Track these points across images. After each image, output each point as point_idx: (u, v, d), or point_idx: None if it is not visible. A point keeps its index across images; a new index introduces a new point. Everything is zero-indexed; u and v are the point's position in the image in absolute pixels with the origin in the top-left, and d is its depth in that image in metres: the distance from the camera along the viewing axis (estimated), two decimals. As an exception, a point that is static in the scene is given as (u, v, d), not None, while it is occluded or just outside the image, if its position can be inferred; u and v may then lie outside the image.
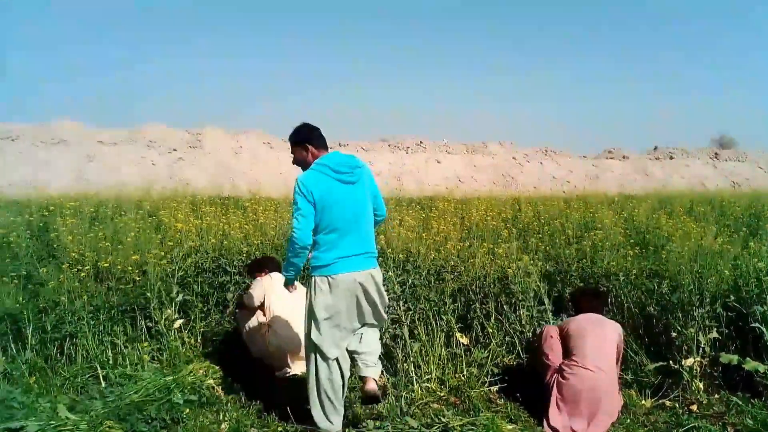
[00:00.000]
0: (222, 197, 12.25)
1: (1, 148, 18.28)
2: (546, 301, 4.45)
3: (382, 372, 3.76)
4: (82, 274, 4.44)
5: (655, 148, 29.77)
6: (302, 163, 3.34)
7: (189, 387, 3.73)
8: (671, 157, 28.56)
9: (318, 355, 3.24)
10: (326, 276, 3.16)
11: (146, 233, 5.68)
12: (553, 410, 3.48)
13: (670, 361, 4.08)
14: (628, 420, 3.65)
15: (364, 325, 3.35)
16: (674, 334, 4.24)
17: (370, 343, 3.38)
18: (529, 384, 3.87)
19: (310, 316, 3.23)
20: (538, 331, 3.98)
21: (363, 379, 3.34)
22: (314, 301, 3.19)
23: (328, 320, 3.19)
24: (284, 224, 6.79)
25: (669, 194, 16.42)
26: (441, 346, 4.14)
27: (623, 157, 28.63)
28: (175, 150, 21.31)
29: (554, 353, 3.68)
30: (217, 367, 4.12)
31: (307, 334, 3.28)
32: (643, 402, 3.94)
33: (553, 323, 4.18)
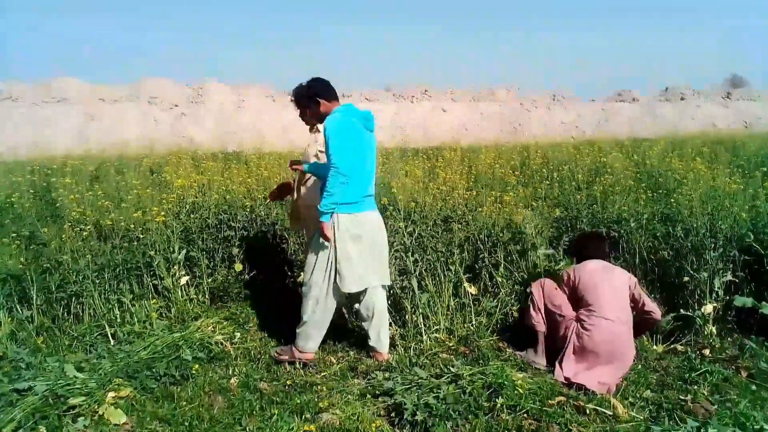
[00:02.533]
0: (225, 152, 12.14)
1: (2, 109, 18.09)
2: (550, 248, 4.37)
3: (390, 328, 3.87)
4: (85, 233, 4.38)
5: (666, 89, 29.12)
6: (317, 117, 3.57)
7: (198, 343, 3.72)
8: (682, 98, 27.96)
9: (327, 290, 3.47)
10: (353, 213, 3.42)
11: (147, 191, 5.60)
12: (568, 359, 3.44)
13: (681, 310, 4.02)
14: (640, 366, 3.62)
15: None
16: (687, 279, 4.17)
17: (383, 314, 3.62)
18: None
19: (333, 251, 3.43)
20: (531, 286, 3.83)
21: (374, 351, 3.64)
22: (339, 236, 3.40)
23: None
24: (288, 177, 6.67)
25: (680, 136, 16.12)
26: (449, 296, 4.09)
27: (633, 99, 28.06)
28: (176, 106, 21.07)
29: (564, 304, 3.60)
30: (225, 323, 4.11)
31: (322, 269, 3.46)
32: (655, 347, 3.91)
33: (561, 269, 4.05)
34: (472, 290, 4.25)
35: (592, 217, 5.06)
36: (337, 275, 3.43)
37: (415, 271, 4.01)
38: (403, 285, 4.09)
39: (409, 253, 4.08)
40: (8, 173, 7.92)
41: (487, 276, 4.40)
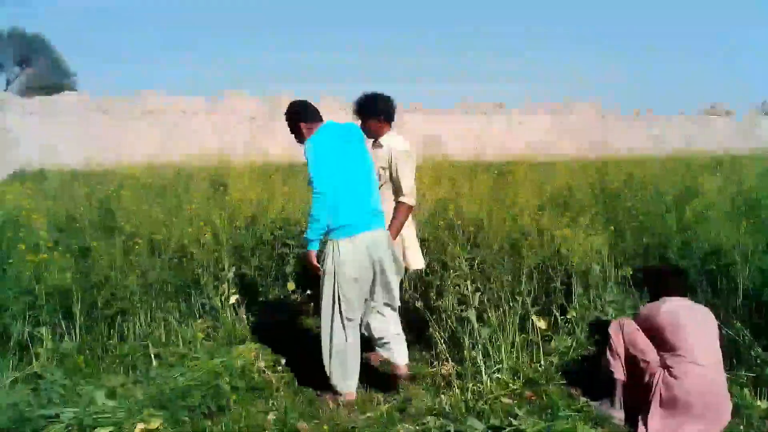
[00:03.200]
0: (293, 166, 12.13)
1: (93, 121, 19.07)
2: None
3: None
4: (136, 248, 4.28)
5: (763, 103, 26.96)
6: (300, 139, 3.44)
7: (238, 371, 3.48)
8: (784, 113, 25.77)
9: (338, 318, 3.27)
10: (351, 236, 3.18)
11: (207, 204, 5.51)
12: (655, 414, 2.92)
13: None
14: (741, 426, 3.05)
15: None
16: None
17: (398, 337, 3.42)
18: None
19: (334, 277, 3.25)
20: (609, 327, 3.31)
21: (392, 365, 3.42)
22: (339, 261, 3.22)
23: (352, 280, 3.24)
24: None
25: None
26: (515, 331, 3.65)
27: (726, 113, 26.15)
28: (254, 118, 21.56)
29: (648, 348, 3.07)
30: (269, 348, 3.85)
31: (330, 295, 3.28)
32: (759, 403, 3.30)
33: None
34: (542, 325, 3.79)
35: (684, 246, 4.46)
36: (344, 303, 3.22)
37: (474, 301, 3.60)
38: (462, 316, 3.69)
39: (468, 281, 3.68)
40: (84, 185, 8.16)
41: (559, 310, 3.92)
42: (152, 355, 3.69)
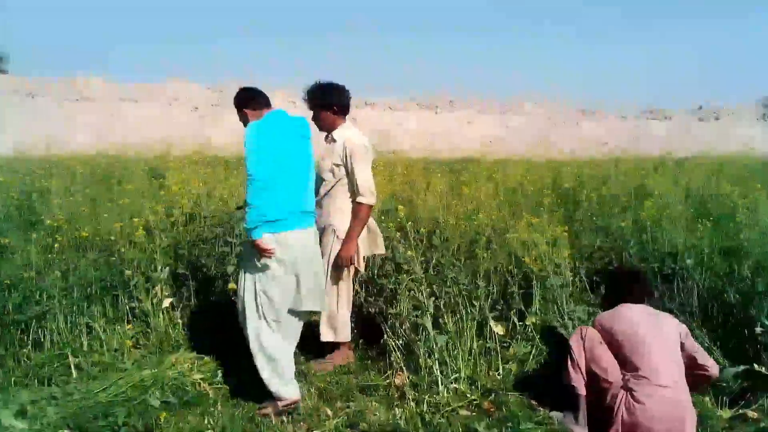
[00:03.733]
0: (239, 158, 11.63)
1: (21, 104, 17.90)
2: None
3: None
4: (56, 245, 3.84)
5: (700, 108, 28.03)
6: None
7: (170, 383, 3.13)
8: (717, 118, 26.90)
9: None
10: (276, 233, 2.95)
11: (142, 197, 5.07)
12: None
13: (754, 364, 3.32)
14: (704, 437, 2.94)
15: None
16: (759, 330, 3.46)
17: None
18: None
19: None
20: (571, 338, 3.12)
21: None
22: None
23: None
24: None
25: (719, 157, 15.21)
26: (472, 338, 3.44)
27: (666, 117, 27.07)
28: (197, 108, 20.76)
29: (611, 367, 2.89)
30: (206, 357, 3.50)
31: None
32: (721, 412, 3.20)
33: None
34: (500, 330, 3.60)
35: (641, 248, 4.37)
36: (265, 302, 3.00)
37: (430, 306, 3.37)
38: (416, 323, 3.45)
39: (423, 286, 3.44)
40: (9, 174, 7.49)
41: (518, 315, 3.74)
42: (72, 366, 3.30)
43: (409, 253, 3.52)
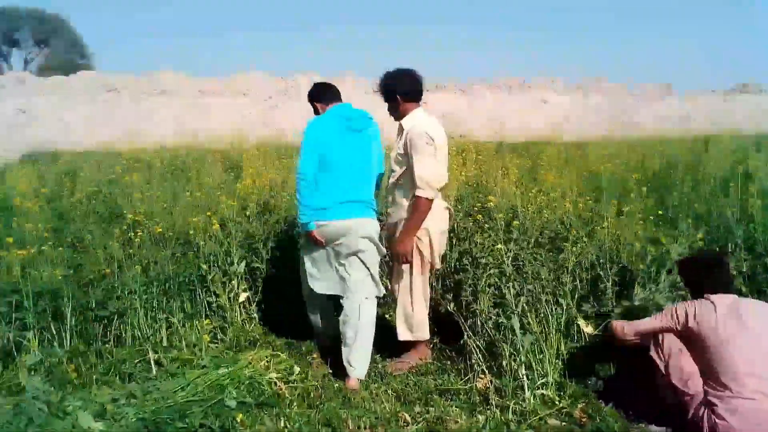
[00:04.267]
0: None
1: (106, 100, 18.78)
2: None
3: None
4: (136, 240, 3.89)
5: (799, 80, 25.67)
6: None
7: (246, 383, 3.08)
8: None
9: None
10: (320, 221, 3.19)
11: (218, 190, 5.08)
12: None
13: None
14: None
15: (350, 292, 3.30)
16: None
17: (362, 331, 3.25)
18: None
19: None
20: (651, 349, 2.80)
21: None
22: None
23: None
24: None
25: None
26: (559, 339, 3.19)
27: (761, 91, 24.99)
28: (270, 98, 21.10)
29: (692, 378, 2.56)
30: (282, 355, 3.44)
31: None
32: None
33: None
34: (588, 329, 3.33)
35: (748, 237, 3.94)
36: (309, 276, 3.36)
37: (516, 305, 3.14)
38: (499, 322, 3.23)
39: (509, 282, 3.22)
40: (93, 167, 7.81)
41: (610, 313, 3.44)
42: (152, 362, 3.32)
43: (498, 246, 3.29)
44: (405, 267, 3.30)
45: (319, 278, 3.37)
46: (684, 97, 23.80)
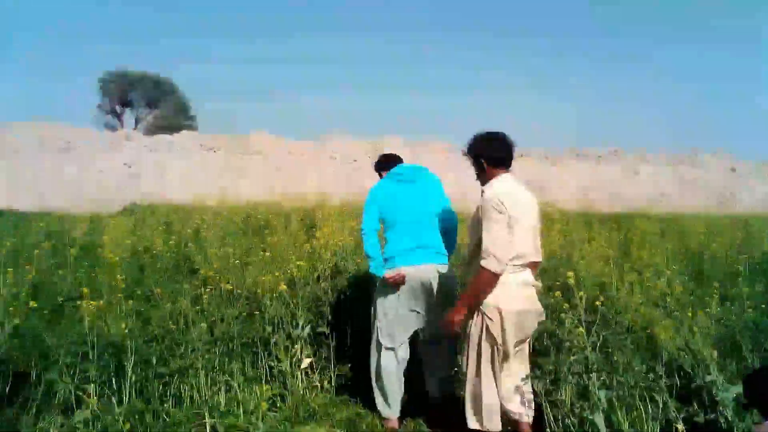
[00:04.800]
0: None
1: (202, 158, 19.92)
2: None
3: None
4: (204, 296, 3.86)
5: None
6: None
7: (299, 461, 2.88)
8: None
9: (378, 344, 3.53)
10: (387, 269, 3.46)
11: (292, 248, 5.05)
12: None
13: None
14: None
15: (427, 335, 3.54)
16: None
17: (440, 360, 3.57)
18: None
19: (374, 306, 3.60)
20: None
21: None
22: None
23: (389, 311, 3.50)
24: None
25: None
26: (655, 443, 2.76)
27: None
28: (355, 161, 21.64)
29: None
30: (341, 432, 3.21)
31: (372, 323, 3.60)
32: None
33: None
34: (688, 435, 2.87)
35: None
36: (380, 329, 3.50)
37: (601, 401, 2.76)
38: (582, 416, 2.86)
39: (592, 372, 2.85)
40: (184, 220, 8.11)
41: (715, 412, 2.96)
42: (207, 427, 3.18)
43: (580, 329, 2.95)
44: (473, 349, 2.98)
45: (391, 332, 3.49)
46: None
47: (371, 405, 3.75)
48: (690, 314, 3.61)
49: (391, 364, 3.48)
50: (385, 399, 3.49)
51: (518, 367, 3.04)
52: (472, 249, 3.09)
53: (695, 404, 3.03)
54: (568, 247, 6.12)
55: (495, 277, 2.81)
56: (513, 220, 2.83)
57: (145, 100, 36.17)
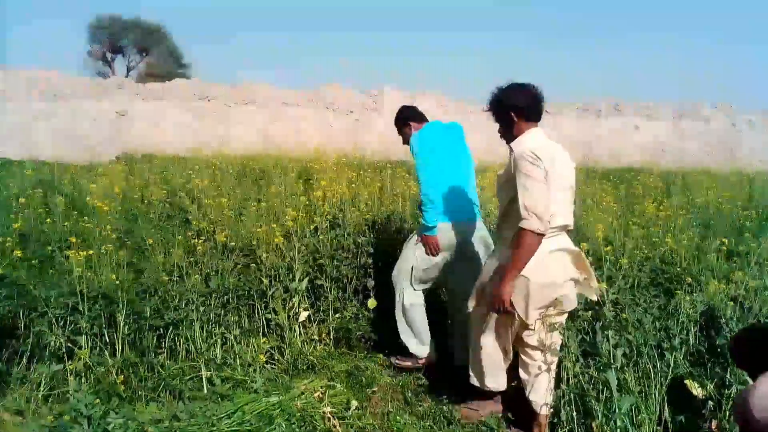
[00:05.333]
0: (391, 162, 11.48)
1: (196, 107, 19.51)
2: None
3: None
4: (198, 248, 3.72)
5: None
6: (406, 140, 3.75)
7: (298, 415, 2.80)
8: None
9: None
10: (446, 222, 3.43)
11: (289, 200, 4.90)
12: None
13: None
14: None
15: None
16: None
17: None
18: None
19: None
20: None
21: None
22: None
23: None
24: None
25: None
26: (661, 402, 2.69)
27: None
28: (352, 112, 21.22)
29: None
30: (338, 386, 3.13)
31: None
32: None
33: None
34: (699, 392, 2.80)
35: None
36: (420, 273, 3.51)
37: (616, 358, 2.67)
38: (590, 375, 2.77)
39: (606, 329, 2.75)
40: (181, 171, 7.92)
41: (726, 372, 2.89)
42: (204, 379, 3.11)
43: (602, 285, 2.79)
44: (485, 309, 2.83)
45: (425, 279, 3.55)
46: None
47: (370, 357, 3.69)
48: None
49: (419, 300, 3.58)
50: (418, 337, 3.57)
51: (540, 347, 2.78)
52: (503, 211, 2.83)
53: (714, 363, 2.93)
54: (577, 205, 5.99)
55: (539, 237, 2.53)
56: (549, 177, 2.55)
57: (136, 47, 35.19)
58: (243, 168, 8.83)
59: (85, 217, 4.16)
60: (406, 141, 3.75)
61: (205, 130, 18.95)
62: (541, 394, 2.80)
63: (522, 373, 2.89)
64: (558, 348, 2.81)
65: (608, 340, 2.64)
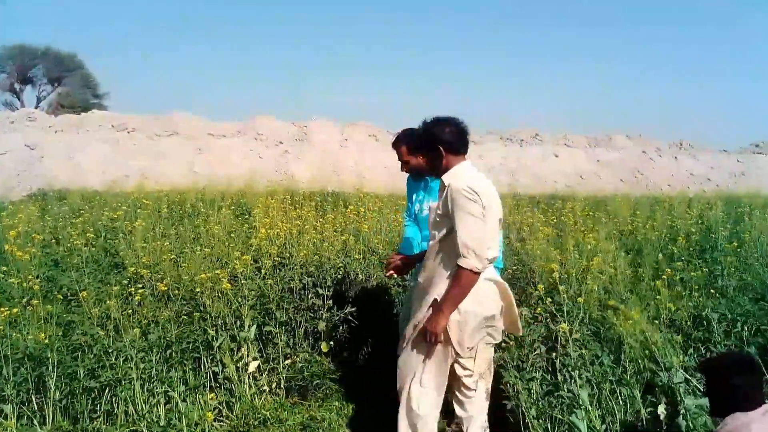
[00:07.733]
0: (325, 193, 11.39)
1: (116, 139, 18.68)
2: None
3: None
4: (136, 297, 3.46)
5: (812, 141, 25.61)
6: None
7: (254, 478, 2.62)
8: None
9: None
10: None
11: (229, 240, 4.68)
12: None
13: None
14: None
15: None
16: None
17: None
18: None
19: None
20: None
21: None
22: None
23: None
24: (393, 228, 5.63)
25: None
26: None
27: (775, 150, 24.87)
28: (281, 143, 20.99)
29: None
30: (297, 440, 2.97)
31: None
32: None
33: None
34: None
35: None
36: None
37: (582, 400, 2.67)
38: (553, 416, 2.76)
39: (574, 370, 2.76)
40: (99, 209, 7.45)
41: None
42: (146, 444, 2.85)
43: (563, 325, 2.82)
44: (418, 348, 2.70)
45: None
46: (697, 155, 23.63)
47: (326, 406, 3.54)
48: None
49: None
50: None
51: (477, 379, 2.77)
52: (435, 245, 2.73)
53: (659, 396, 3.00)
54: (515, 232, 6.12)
55: (477, 276, 2.51)
56: (486, 211, 2.55)
57: (48, 76, 33.40)
58: (171, 204, 8.45)
59: (3, 267, 3.78)
60: (423, 171, 3.18)
61: (125, 163, 18.12)
62: (479, 425, 2.79)
63: (458, 411, 2.84)
64: (491, 378, 2.82)
65: (575, 381, 2.64)
